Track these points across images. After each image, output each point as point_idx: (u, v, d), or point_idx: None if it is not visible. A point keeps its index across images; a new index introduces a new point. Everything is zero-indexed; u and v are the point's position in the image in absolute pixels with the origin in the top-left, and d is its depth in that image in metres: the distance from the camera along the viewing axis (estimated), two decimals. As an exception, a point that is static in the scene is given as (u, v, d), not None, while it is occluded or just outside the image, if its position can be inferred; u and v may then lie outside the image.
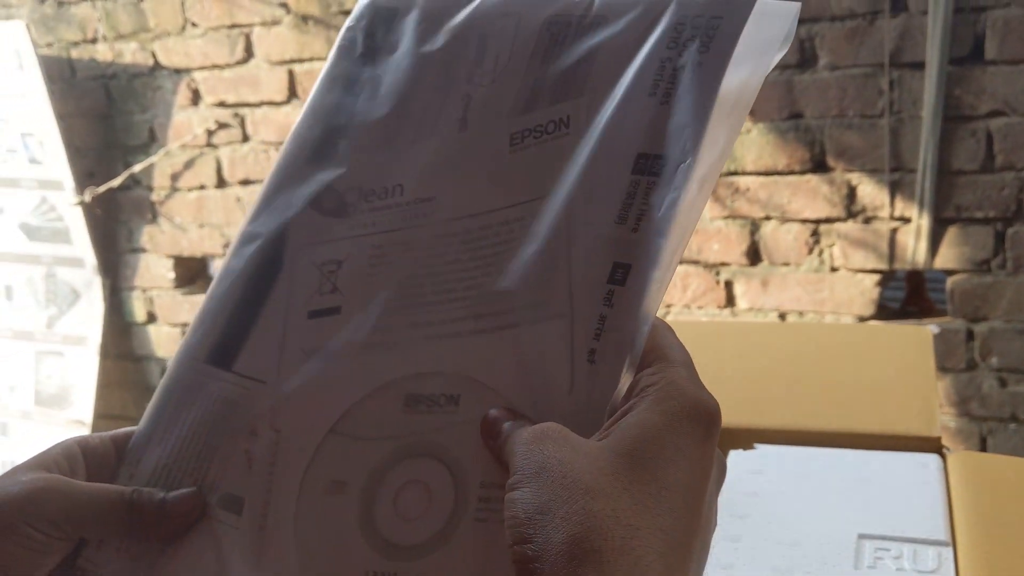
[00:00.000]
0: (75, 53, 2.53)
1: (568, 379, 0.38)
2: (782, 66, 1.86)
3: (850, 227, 1.90)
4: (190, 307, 2.58)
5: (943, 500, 0.70)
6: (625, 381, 0.38)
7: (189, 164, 2.47)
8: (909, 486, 0.72)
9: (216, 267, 2.54)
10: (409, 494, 0.39)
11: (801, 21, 1.83)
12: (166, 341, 2.64)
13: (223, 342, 0.45)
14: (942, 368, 1.90)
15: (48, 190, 2.54)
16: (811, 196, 1.91)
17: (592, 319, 0.38)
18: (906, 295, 2.01)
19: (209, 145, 2.43)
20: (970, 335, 1.87)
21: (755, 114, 1.91)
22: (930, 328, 0.98)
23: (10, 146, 2.54)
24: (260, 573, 0.40)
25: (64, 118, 2.46)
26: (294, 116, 2.30)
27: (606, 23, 0.44)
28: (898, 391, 0.87)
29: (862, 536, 0.66)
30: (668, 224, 0.38)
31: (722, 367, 0.94)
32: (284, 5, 2.24)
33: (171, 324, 2.62)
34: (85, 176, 2.52)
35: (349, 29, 0.50)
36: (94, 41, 2.50)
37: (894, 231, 1.87)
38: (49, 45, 2.54)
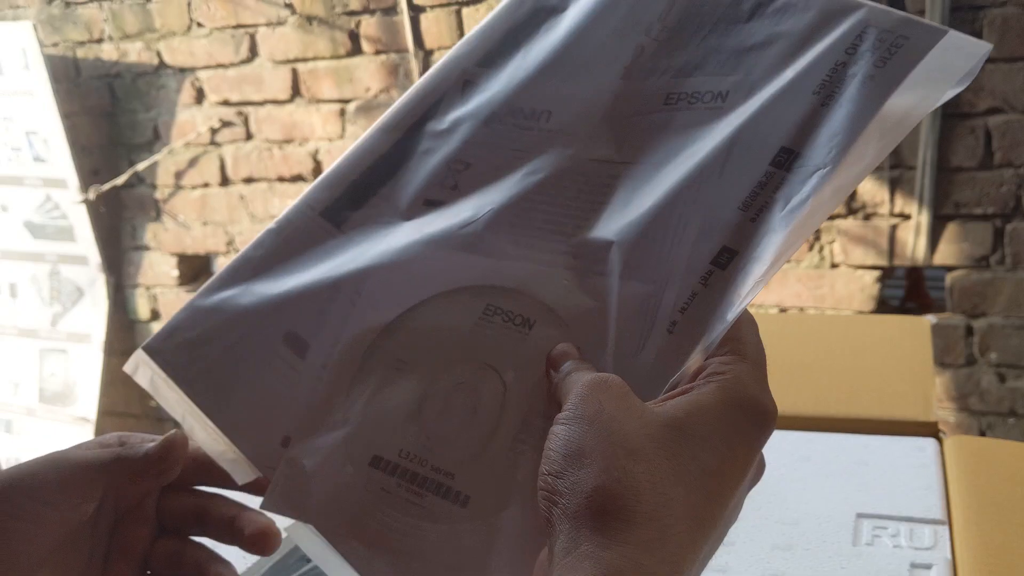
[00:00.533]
0: (81, 53, 2.54)
1: (638, 341, 0.39)
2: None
3: (850, 224, 1.92)
4: (194, 305, 2.59)
5: (939, 481, 0.71)
6: (696, 362, 0.38)
7: (193, 162, 2.49)
8: (906, 468, 0.73)
9: (220, 265, 2.55)
10: (460, 397, 0.41)
11: (801, 19, 1.84)
12: (170, 339, 2.65)
13: (341, 203, 0.47)
14: (941, 363, 1.91)
15: (52, 188, 2.56)
16: (811, 193, 1.93)
17: (685, 292, 0.38)
18: (906, 291, 2.03)
19: (213, 143, 2.44)
20: (969, 331, 1.89)
21: (756, 112, 1.92)
22: (928, 318, 0.99)
23: (15, 144, 2.56)
24: (310, 414, 0.42)
25: (69, 117, 2.48)
26: (297, 115, 2.32)
27: (794, 11, 0.43)
28: (896, 378, 0.89)
29: (860, 515, 0.68)
30: (786, 224, 0.38)
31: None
32: (289, 6, 2.26)
33: (175, 322, 2.63)
34: (89, 174, 2.53)
35: None
36: (100, 41, 2.51)
37: (894, 227, 1.88)
38: (55, 45, 2.56)
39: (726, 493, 0.35)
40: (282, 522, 0.44)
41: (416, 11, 2.13)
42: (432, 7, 2.11)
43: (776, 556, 0.64)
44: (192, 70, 2.41)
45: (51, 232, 2.61)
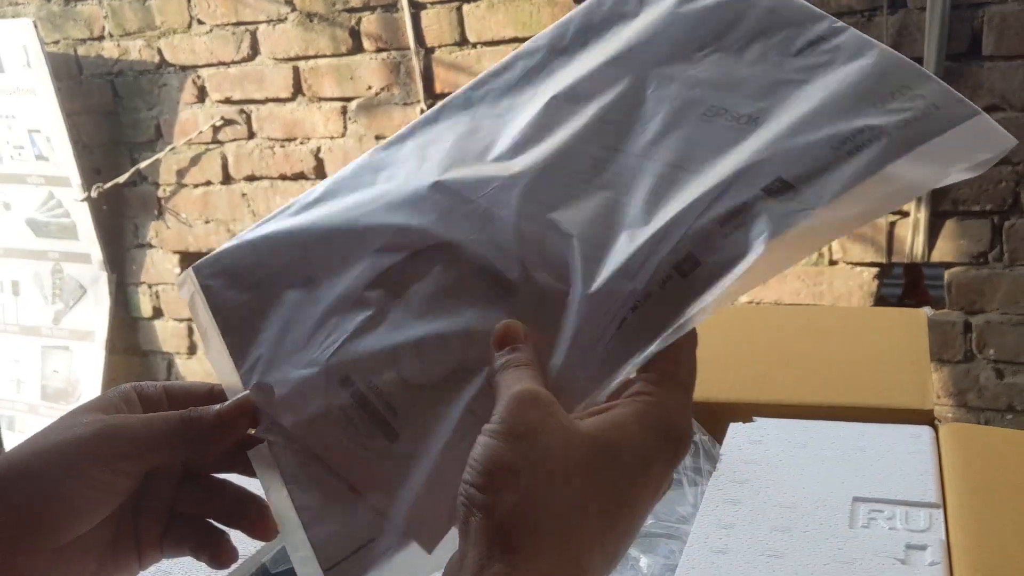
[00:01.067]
0: (82, 50, 2.55)
1: (598, 333, 0.39)
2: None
3: (849, 221, 1.93)
4: (195, 302, 2.59)
5: (934, 467, 0.72)
6: (631, 371, 0.38)
7: (195, 160, 2.50)
8: (902, 454, 0.74)
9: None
10: (434, 350, 0.42)
11: (800, 17, 1.85)
12: (172, 336, 2.66)
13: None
14: (940, 359, 1.92)
15: (55, 186, 2.57)
16: (810, 190, 1.94)
17: (640, 291, 0.38)
18: (904, 288, 2.04)
19: (215, 141, 2.45)
20: (967, 327, 1.89)
21: (755, 109, 1.93)
22: (924, 310, 1.01)
23: (17, 143, 2.57)
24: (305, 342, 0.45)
25: (71, 115, 2.49)
26: (299, 113, 2.33)
27: (844, 56, 0.45)
28: (893, 368, 0.90)
29: (856, 499, 0.69)
30: (755, 249, 0.37)
31: (724, 346, 0.96)
32: (289, 3, 2.27)
33: (177, 319, 2.64)
34: (92, 172, 2.54)
35: None
36: (101, 39, 2.52)
37: (892, 225, 1.89)
38: (56, 43, 2.57)
39: (637, 514, 0.36)
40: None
41: (417, 8, 2.14)
42: (432, 4, 2.12)
43: (774, 538, 0.65)
44: (194, 68, 2.42)
45: (54, 230, 2.62)
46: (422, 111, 2.18)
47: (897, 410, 0.81)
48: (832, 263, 1.96)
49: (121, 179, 2.52)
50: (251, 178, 2.44)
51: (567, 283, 0.41)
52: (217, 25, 2.36)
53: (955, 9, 1.75)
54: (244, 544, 0.70)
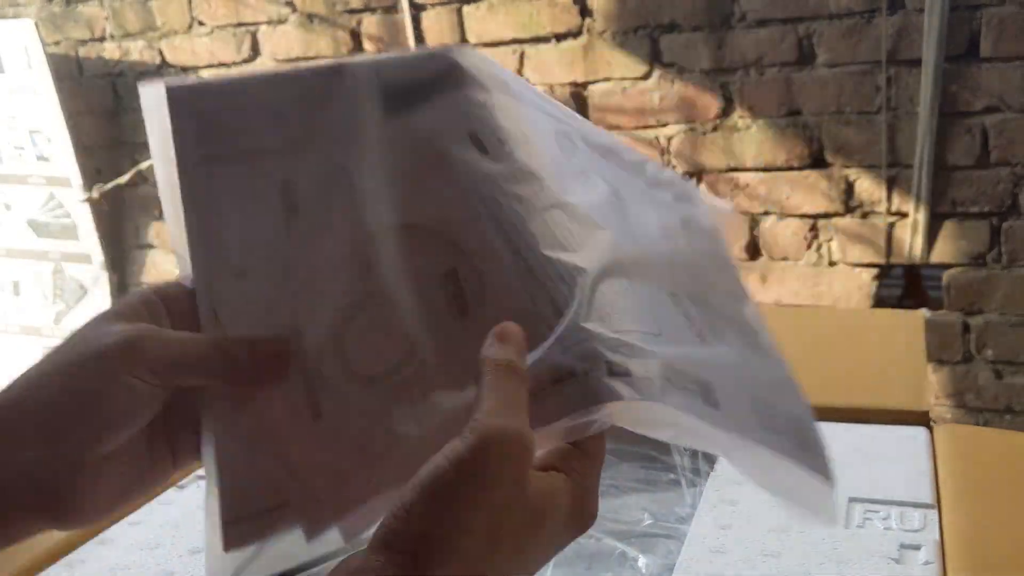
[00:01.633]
0: (83, 51, 2.56)
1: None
2: (781, 64, 1.89)
3: (848, 222, 1.94)
4: (196, 302, 2.60)
5: (929, 468, 0.73)
6: (557, 432, 0.39)
7: (196, 161, 2.50)
8: (898, 455, 0.75)
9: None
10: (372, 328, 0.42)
11: (800, 19, 1.86)
12: (172, 336, 2.66)
13: None
14: (938, 360, 1.93)
15: (56, 187, 2.57)
16: (809, 191, 1.94)
17: (567, 365, 0.39)
18: (903, 289, 2.04)
19: (216, 142, 2.46)
20: (966, 328, 1.90)
21: (754, 111, 1.94)
22: (922, 312, 1.01)
23: (18, 143, 2.58)
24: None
25: (72, 116, 2.49)
26: (300, 113, 2.33)
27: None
28: (890, 369, 0.90)
29: (852, 499, 0.69)
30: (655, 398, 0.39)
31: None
32: (290, 4, 2.27)
33: (177, 319, 2.65)
34: (93, 173, 2.55)
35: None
36: (102, 39, 2.53)
37: (891, 226, 1.90)
38: (57, 43, 2.58)
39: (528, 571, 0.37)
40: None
41: (417, 9, 2.15)
42: (433, 5, 2.13)
43: (771, 538, 0.65)
44: (194, 69, 2.43)
45: (55, 230, 2.63)
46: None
47: (893, 411, 0.82)
48: (832, 264, 1.97)
49: (122, 180, 2.52)
50: (252, 179, 2.44)
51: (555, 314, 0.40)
52: (218, 26, 2.37)
53: (954, 11, 1.75)
54: (245, 544, 0.70)
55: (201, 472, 0.84)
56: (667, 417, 0.39)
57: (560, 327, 0.39)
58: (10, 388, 0.40)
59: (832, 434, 0.80)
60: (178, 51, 2.44)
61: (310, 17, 2.27)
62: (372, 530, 0.39)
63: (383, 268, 0.43)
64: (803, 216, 1.96)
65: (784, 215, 1.98)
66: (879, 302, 1.97)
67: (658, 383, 0.39)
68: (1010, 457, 0.75)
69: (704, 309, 0.47)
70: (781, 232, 1.99)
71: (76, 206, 2.55)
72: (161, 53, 2.46)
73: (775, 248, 2.00)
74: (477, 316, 0.41)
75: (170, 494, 0.80)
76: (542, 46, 2.07)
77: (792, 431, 0.45)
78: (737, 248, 2.02)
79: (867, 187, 1.90)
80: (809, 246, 1.98)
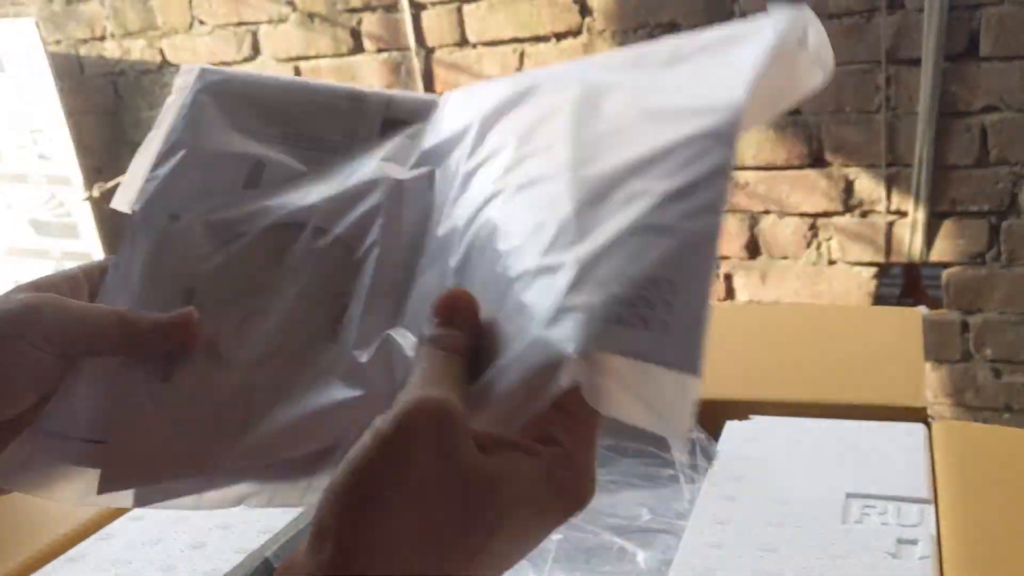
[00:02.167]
0: (84, 50, 2.56)
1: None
2: (780, 62, 1.90)
3: (847, 221, 1.94)
4: (197, 301, 2.61)
5: (926, 464, 0.73)
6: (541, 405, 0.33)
7: (196, 160, 2.51)
8: (895, 452, 0.75)
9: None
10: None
11: (799, 18, 1.86)
12: (173, 335, 2.67)
13: None
14: (937, 359, 1.93)
15: (57, 186, 2.58)
16: (809, 190, 1.95)
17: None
18: (903, 288, 2.05)
19: (216, 141, 2.46)
20: (965, 327, 1.90)
21: (754, 109, 1.94)
22: (920, 309, 1.02)
23: (19, 142, 2.58)
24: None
25: (73, 115, 2.50)
26: (300, 112, 2.34)
27: None
28: (887, 366, 0.91)
29: (850, 495, 0.70)
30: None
31: (722, 345, 0.97)
32: (290, 3, 2.28)
33: (178, 318, 2.65)
34: (93, 172, 2.55)
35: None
36: (102, 39, 2.53)
37: (891, 224, 1.90)
38: (58, 42, 2.58)
39: (499, 561, 0.32)
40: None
41: (417, 8, 2.15)
42: (433, 4, 2.13)
43: (768, 532, 0.66)
44: (196, 68, 2.43)
45: (56, 229, 2.63)
46: (423, 111, 2.19)
47: (891, 407, 0.82)
48: (831, 263, 1.97)
49: (123, 179, 2.52)
50: (252, 178, 2.45)
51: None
52: (218, 25, 2.37)
53: (953, 10, 1.76)
54: (248, 537, 0.71)
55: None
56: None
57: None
58: None
59: (830, 430, 0.80)
60: (179, 50, 2.44)
61: (310, 16, 2.27)
62: (167, 503, 0.40)
63: (289, 264, 0.44)
64: (803, 215, 1.97)
65: (784, 214, 1.98)
66: (879, 301, 1.97)
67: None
68: (1007, 453, 0.75)
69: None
70: (781, 231, 1.99)
71: (77, 205, 2.56)
72: (162, 52, 2.46)
73: (775, 247, 2.01)
74: (342, 343, 0.42)
75: (171, 490, 0.81)
76: (542, 45, 2.07)
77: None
78: (737, 247, 2.03)
79: (866, 186, 1.90)
80: (809, 245, 1.98)
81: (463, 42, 2.14)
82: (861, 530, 0.65)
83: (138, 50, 2.49)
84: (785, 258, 2.01)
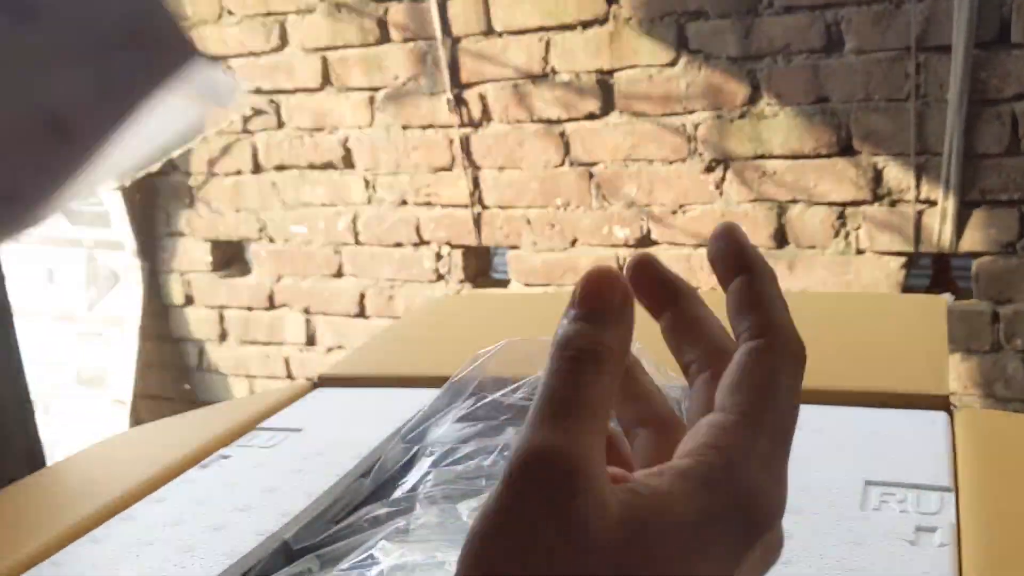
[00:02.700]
0: (115, 42, 2.59)
1: None
2: (809, 51, 1.88)
3: (876, 210, 1.92)
4: (227, 290, 2.64)
5: (948, 452, 0.73)
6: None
7: (226, 150, 2.53)
8: (916, 439, 0.75)
9: (252, 251, 2.59)
10: None
11: (828, 6, 1.85)
12: (203, 323, 2.70)
13: None
14: (967, 350, 1.91)
15: (89, 175, 2.61)
16: (837, 179, 1.93)
17: None
18: (932, 278, 2.02)
19: (245, 131, 2.48)
20: (995, 317, 1.88)
21: (781, 98, 1.92)
22: (944, 296, 1.00)
23: (53, 132, 2.61)
24: None
25: (105, 105, 2.53)
26: (327, 103, 2.35)
27: None
28: (911, 354, 0.90)
29: (869, 482, 0.69)
30: None
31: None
32: (318, -7, 2.29)
33: (208, 306, 2.68)
34: (125, 162, 2.58)
35: None
36: (134, 30, 2.56)
37: (920, 214, 1.88)
38: (90, 34, 2.61)
39: None
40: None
41: (444, -1, 2.15)
42: (460, -5, 2.14)
43: (785, 519, 0.66)
44: (224, 58, 2.45)
45: (88, 218, 2.67)
46: (448, 101, 2.19)
47: (913, 395, 0.82)
48: (859, 252, 1.95)
49: (153, 168, 2.56)
50: (280, 167, 2.47)
51: None
52: (247, 15, 2.39)
53: (985, -4, 1.73)
54: (268, 520, 0.72)
55: (225, 451, 0.86)
56: None
57: None
58: None
59: (851, 418, 0.80)
60: (208, 40, 2.46)
61: (337, 6, 2.28)
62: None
63: None
64: (831, 204, 1.95)
65: (811, 203, 1.97)
66: (907, 291, 1.95)
67: None
68: (1030, 442, 0.74)
69: None
70: (808, 220, 1.98)
71: (109, 194, 2.59)
72: (191, 43, 2.48)
73: (802, 236, 1.99)
74: None
75: (193, 472, 0.82)
76: (568, 33, 2.07)
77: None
78: (764, 237, 2.01)
79: (895, 175, 1.88)
80: (837, 234, 1.96)
81: (489, 31, 2.14)
82: (879, 517, 0.65)
83: (168, 41, 2.51)
84: (813, 248, 1.99)
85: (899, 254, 1.93)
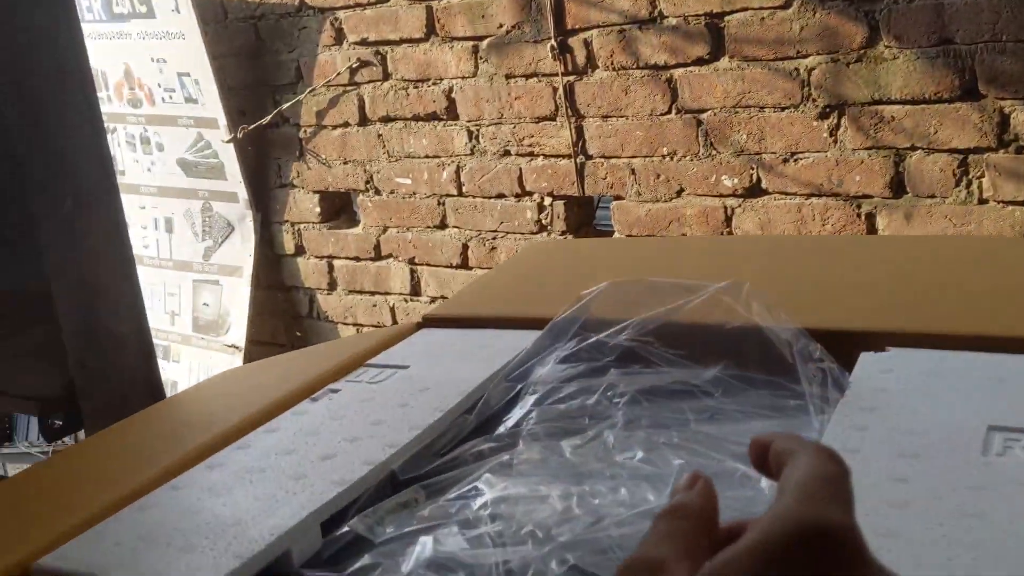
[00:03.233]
0: (227, -4, 2.64)
1: None
2: (932, -12, 1.79)
3: (1001, 157, 1.82)
4: (335, 240, 2.69)
5: (1079, 398, 0.69)
6: None
7: (333, 102, 2.56)
8: (1044, 385, 0.71)
9: (359, 203, 2.63)
10: None
11: (954, -61, 1.75)
12: (312, 272, 2.76)
13: None
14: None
15: (203, 128, 2.68)
16: (960, 125, 1.84)
17: None
18: (1061, 229, 1.92)
19: (351, 83, 2.51)
20: None
21: (901, 39, 1.84)
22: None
23: (169, 86, 2.69)
24: None
25: (217, 58, 2.59)
26: (432, 54, 2.35)
27: None
28: (1039, 299, 0.85)
29: (992, 428, 0.66)
30: None
31: (857, 277, 0.93)
32: (424, -58, 2.28)
33: (317, 256, 2.74)
34: (237, 114, 2.64)
35: None
36: (245, -16, 2.60)
37: (1050, 160, 1.78)
38: (204, -11, 2.67)
39: None
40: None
41: (550, -56, 2.12)
42: (566, -61, 2.10)
43: (901, 463, 0.63)
44: (332, 10, 2.47)
45: (203, 170, 2.75)
46: (552, 48, 2.17)
47: (1041, 341, 0.78)
48: (982, 202, 1.86)
49: (264, 121, 2.61)
50: (386, 119, 2.49)
51: None
52: (354, -33, 2.40)
53: None
54: (375, 451, 0.73)
55: (335, 386, 0.88)
56: None
57: None
58: None
59: (973, 363, 0.77)
60: (316, -7, 2.48)
61: (443, -46, 2.27)
62: None
63: None
64: (952, 151, 1.86)
65: (932, 150, 1.88)
66: (1034, 242, 1.85)
67: None
68: None
69: None
70: (928, 168, 1.90)
71: (222, 146, 2.66)
72: (300, -5, 2.52)
73: (921, 185, 1.91)
74: None
75: (304, 405, 0.84)
76: (677, -23, 2.02)
77: None
78: (880, 186, 1.94)
79: (1023, 120, 1.79)
80: (958, 183, 1.88)
81: (595, -24, 2.10)
82: (1003, 463, 0.62)
83: (277, -6, 2.55)
84: (932, 197, 1.91)
85: (1025, 203, 1.83)
